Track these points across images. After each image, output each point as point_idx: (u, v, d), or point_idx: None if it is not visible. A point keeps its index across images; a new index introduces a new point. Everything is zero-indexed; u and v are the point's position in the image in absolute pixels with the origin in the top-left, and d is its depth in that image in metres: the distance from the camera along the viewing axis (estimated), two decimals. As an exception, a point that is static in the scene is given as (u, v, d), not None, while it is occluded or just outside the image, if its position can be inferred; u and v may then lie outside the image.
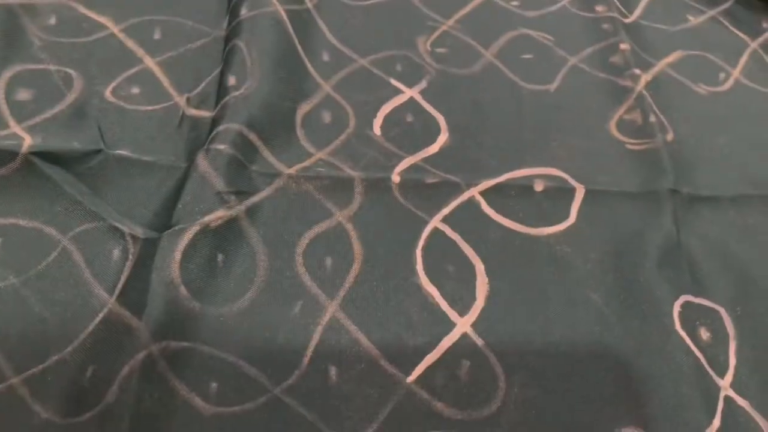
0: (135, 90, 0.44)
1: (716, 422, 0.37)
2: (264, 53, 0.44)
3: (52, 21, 0.45)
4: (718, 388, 0.38)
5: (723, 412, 0.37)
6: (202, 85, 0.45)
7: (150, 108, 0.43)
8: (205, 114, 0.43)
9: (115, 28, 0.46)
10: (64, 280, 0.36)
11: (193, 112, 0.44)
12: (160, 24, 0.47)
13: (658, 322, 0.40)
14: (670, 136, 0.49)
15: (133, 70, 0.45)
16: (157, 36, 0.47)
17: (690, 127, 0.50)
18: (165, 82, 0.45)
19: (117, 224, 0.38)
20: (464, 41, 0.51)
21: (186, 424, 0.33)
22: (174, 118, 0.43)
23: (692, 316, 0.41)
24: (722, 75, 0.54)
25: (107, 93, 0.43)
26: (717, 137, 0.50)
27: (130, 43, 0.46)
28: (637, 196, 0.44)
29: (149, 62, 0.45)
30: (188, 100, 0.44)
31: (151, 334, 0.34)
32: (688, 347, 0.39)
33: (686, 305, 0.41)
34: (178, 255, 0.36)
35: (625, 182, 0.45)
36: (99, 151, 0.40)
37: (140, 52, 0.45)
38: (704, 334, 0.40)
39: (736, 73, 0.54)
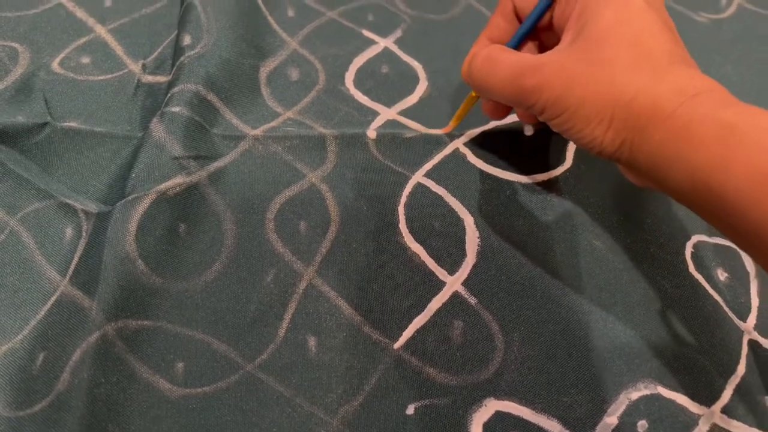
0: (85, 60, 0.40)
1: (741, 368, 0.33)
2: (221, 10, 0.41)
3: (-5, -5, 0.42)
4: (740, 332, 0.34)
5: (747, 357, 0.34)
6: (159, 49, 0.42)
7: (102, 78, 0.40)
8: (162, 79, 0.40)
9: (62, -2, 0.43)
10: (13, 264, 0.33)
11: (149, 78, 0.40)
12: (111, -10, 0.44)
13: (670, 265, 0.36)
14: (670, 69, 0.44)
15: (82, 40, 0.41)
16: (108, 3, 0.43)
17: (693, 57, 0.45)
18: (118, 50, 0.41)
19: (68, 201, 0.35)
20: (440, -15, 0.47)
21: (150, 407, 0.30)
22: (129, 86, 0.40)
23: (707, 257, 0.37)
24: (724, 1, 0.49)
25: (54, 65, 0.40)
26: (723, 66, 0.46)
27: (80, 13, 0.42)
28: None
29: (100, 30, 0.42)
30: (144, 66, 0.41)
31: (104, 314, 0.31)
32: (705, 290, 0.35)
33: (699, 245, 0.37)
34: (132, 227, 0.33)
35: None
36: (45, 125, 0.36)
37: (91, 21, 0.42)
38: (721, 275, 0.36)
39: (738, -2, 0.50)
